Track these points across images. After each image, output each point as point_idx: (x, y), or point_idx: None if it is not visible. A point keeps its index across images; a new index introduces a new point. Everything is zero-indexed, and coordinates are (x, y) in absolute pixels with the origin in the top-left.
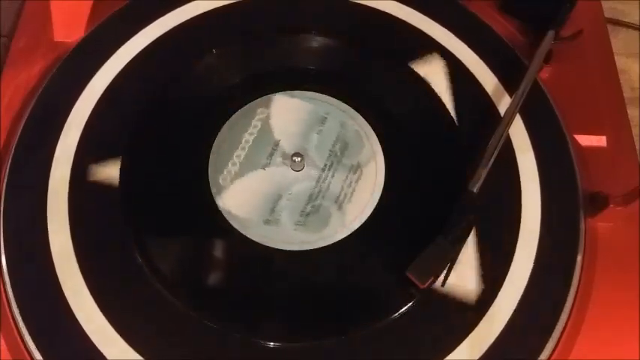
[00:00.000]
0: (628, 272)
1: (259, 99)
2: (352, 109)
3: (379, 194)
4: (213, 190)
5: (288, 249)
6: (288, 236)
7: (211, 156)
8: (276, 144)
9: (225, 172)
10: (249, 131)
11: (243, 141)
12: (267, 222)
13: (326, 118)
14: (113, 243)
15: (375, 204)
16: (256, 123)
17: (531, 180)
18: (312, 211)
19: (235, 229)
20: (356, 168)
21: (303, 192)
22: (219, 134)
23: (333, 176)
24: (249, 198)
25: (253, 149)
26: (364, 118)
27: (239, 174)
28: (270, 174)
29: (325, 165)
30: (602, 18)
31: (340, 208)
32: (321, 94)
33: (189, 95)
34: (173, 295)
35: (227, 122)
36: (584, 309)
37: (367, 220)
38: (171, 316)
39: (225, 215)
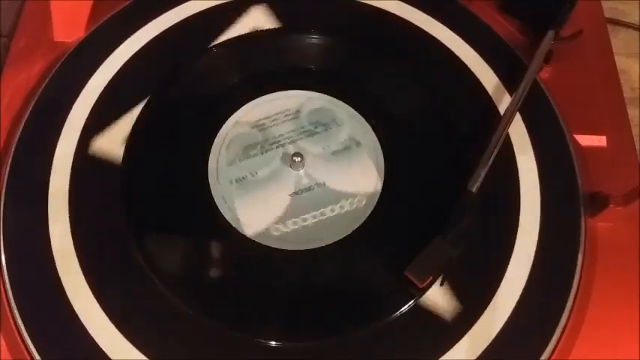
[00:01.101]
0: (628, 272)
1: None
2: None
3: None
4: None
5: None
6: (306, 234)
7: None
8: (275, 144)
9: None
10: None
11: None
12: (283, 224)
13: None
14: (114, 243)
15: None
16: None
17: (531, 180)
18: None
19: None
20: (353, 160)
21: (309, 190)
22: (219, 133)
23: (333, 171)
24: (260, 207)
25: (255, 158)
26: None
27: (245, 186)
28: (274, 177)
29: (324, 160)
30: (602, 18)
31: (346, 199)
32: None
33: (188, 95)
34: (174, 294)
35: (218, 134)
36: (584, 309)
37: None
38: (172, 315)
39: (244, 231)
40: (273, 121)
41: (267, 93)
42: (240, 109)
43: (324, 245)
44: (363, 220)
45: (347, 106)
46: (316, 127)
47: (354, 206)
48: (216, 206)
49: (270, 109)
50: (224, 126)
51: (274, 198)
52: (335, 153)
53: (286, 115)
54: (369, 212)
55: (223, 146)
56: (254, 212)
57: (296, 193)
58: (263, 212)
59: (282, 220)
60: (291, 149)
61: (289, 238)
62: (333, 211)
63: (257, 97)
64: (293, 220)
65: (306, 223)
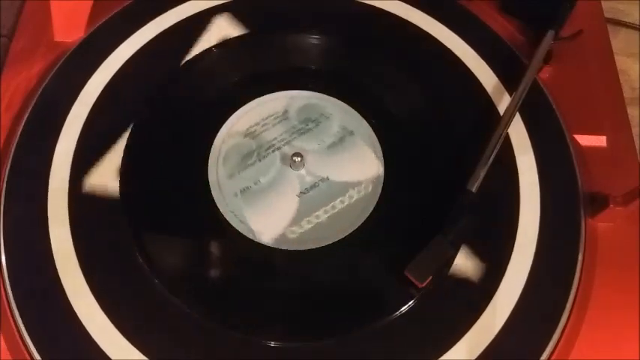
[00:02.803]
0: (628, 272)
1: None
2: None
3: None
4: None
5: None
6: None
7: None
8: (270, 148)
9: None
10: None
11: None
12: (298, 225)
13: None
14: (114, 242)
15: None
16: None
17: (531, 180)
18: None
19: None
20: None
21: (314, 187)
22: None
23: (334, 164)
24: (274, 215)
25: (254, 166)
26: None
27: (250, 196)
28: (277, 181)
29: (322, 155)
30: (602, 18)
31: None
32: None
33: (188, 95)
34: (174, 294)
35: (212, 146)
36: (584, 309)
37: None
38: (172, 315)
39: (261, 239)
40: (263, 126)
41: (267, 93)
42: (228, 119)
43: (323, 245)
44: (362, 220)
45: (333, 98)
46: (307, 125)
47: (362, 193)
48: (216, 206)
49: (257, 116)
50: (215, 140)
51: (282, 201)
52: (331, 146)
53: (275, 118)
54: (369, 212)
55: (220, 160)
56: (266, 219)
57: (302, 192)
58: (275, 217)
59: (295, 221)
60: (287, 150)
61: (289, 238)
62: (343, 202)
63: (257, 97)
64: (307, 219)
65: (319, 220)
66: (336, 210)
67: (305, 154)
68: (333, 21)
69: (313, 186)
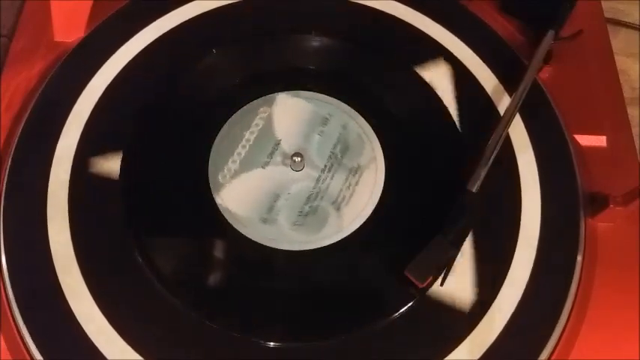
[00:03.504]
0: (628, 272)
1: (262, 98)
2: (353, 110)
3: (379, 194)
4: (213, 189)
5: (288, 249)
6: (285, 236)
7: (211, 156)
8: (277, 143)
9: (225, 170)
10: (250, 129)
11: (244, 139)
12: (264, 221)
13: (328, 119)
14: (113, 243)
15: (375, 204)
16: (258, 122)
17: (531, 180)
18: (309, 211)
19: (235, 229)
20: (356, 170)
21: (302, 192)
22: (220, 132)
23: (332, 178)
24: (247, 196)
25: (254, 147)
26: (364, 118)
27: (239, 171)
28: (270, 173)
29: (325, 166)
30: (602, 18)
31: (338, 209)
32: (323, 95)
33: (189, 95)
34: (173, 294)
35: (229, 120)
36: (584, 309)
37: (367, 220)
38: (172, 316)
39: (223, 212)
40: (275, 121)
41: (267, 93)
42: (242, 108)
43: (324, 245)
44: (363, 220)
45: (348, 106)
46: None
47: (352, 209)
48: (217, 206)
49: (272, 109)
50: (225, 124)
51: (273, 198)
52: (335, 154)
53: (288, 116)
54: (369, 212)
55: (224, 143)
56: (252, 211)
57: (294, 193)
58: (261, 211)
59: (279, 220)
60: (291, 149)
61: (286, 238)
62: (331, 212)
63: (257, 97)
64: (290, 220)
65: (304, 224)
66: (334, 212)
67: (306, 155)
68: (331, 22)
69: (310, 187)
